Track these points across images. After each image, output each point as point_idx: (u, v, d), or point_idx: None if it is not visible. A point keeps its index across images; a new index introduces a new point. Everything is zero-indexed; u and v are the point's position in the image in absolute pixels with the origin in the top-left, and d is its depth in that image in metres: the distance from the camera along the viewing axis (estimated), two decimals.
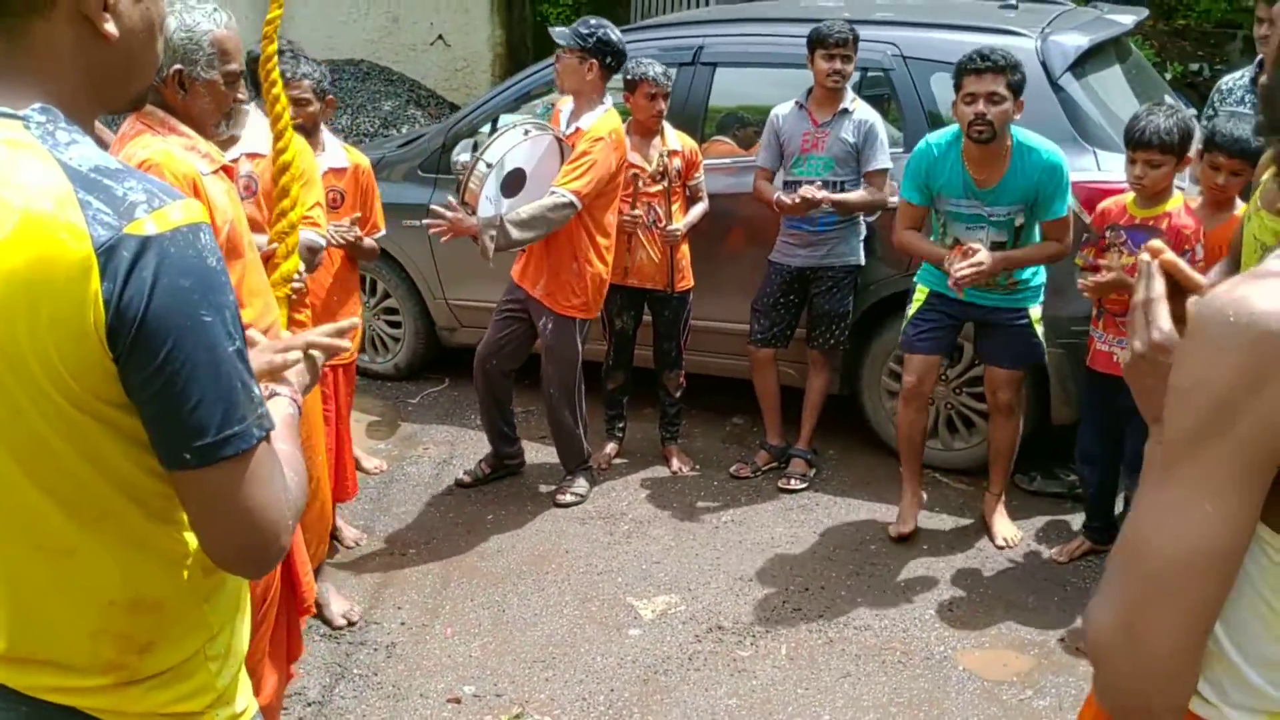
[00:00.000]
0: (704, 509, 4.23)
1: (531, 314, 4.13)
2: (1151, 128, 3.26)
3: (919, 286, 3.86)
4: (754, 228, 4.48)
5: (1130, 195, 3.44)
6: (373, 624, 3.49)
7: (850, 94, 4.18)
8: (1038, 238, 3.70)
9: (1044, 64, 4.11)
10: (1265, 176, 2.60)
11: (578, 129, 3.97)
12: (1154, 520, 0.99)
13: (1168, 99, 4.26)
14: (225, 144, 2.94)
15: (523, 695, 3.14)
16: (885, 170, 4.10)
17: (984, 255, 3.52)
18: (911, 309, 3.85)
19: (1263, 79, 1.22)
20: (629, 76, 4.15)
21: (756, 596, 3.63)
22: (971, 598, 3.62)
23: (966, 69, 3.48)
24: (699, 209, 4.42)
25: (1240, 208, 3.21)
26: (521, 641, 3.39)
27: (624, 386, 4.63)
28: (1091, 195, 3.78)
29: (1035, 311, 3.76)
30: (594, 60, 3.91)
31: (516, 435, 4.47)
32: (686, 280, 4.44)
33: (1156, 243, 1.20)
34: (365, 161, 3.87)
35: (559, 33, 3.96)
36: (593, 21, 3.95)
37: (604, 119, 3.93)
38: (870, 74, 4.39)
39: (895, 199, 3.93)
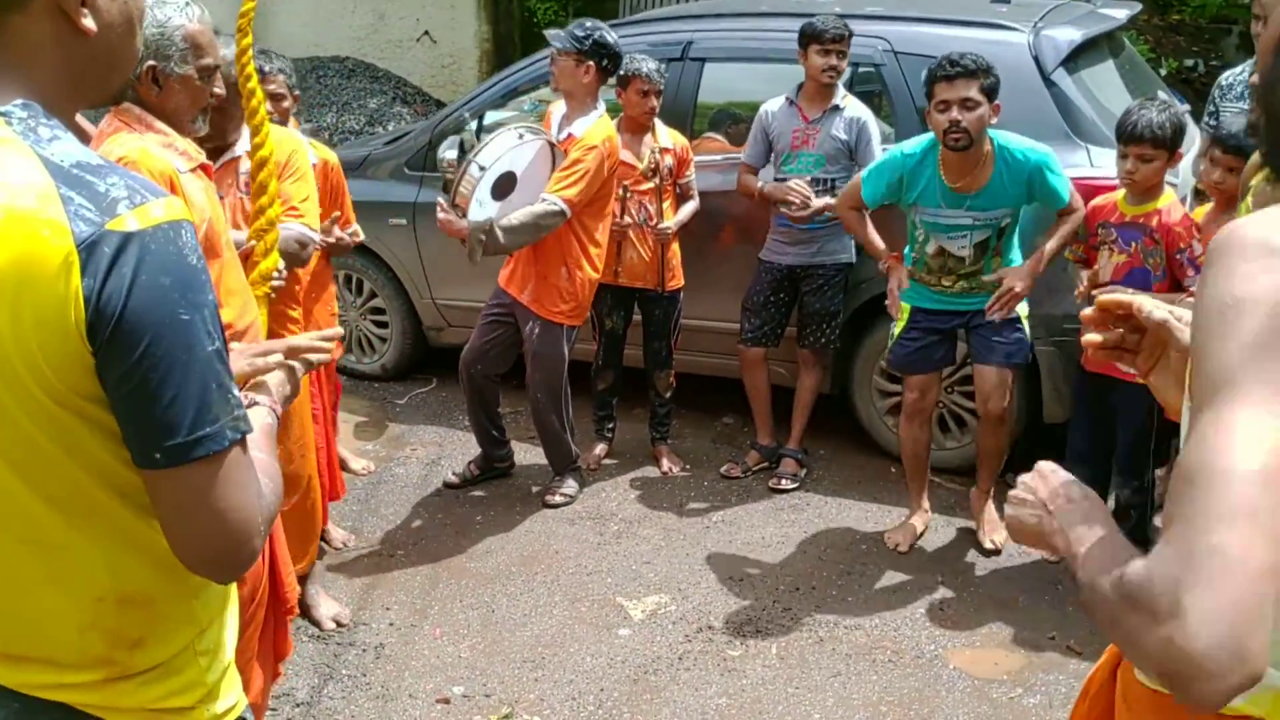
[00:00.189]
0: (694, 509, 4.21)
1: (517, 319, 4.10)
2: (1143, 122, 3.24)
3: (902, 304, 3.75)
4: (745, 226, 4.45)
5: (1121, 193, 3.42)
6: (361, 625, 3.46)
7: (841, 90, 4.15)
8: (1016, 234, 3.63)
9: (1036, 59, 4.09)
10: (1257, 179, 2.59)
11: (570, 135, 3.95)
12: (1222, 443, 0.91)
13: (1161, 94, 4.25)
14: (227, 144, 2.93)
15: (512, 695, 3.11)
16: None
17: (1011, 280, 3.48)
18: (897, 328, 3.77)
19: (1253, 76, 1.19)
20: (622, 72, 4.12)
21: (747, 596, 3.61)
22: (962, 596, 3.60)
23: (938, 76, 3.40)
24: (690, 207, 4.39)
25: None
26: (511, 642, 3.36)
27: (614, 386, 4.60)
28: (1084, 191, 3.76)
29: (1022, 307, 3.69)
30: (591, 63, 3.88)
31: (506, 437, 4.43)
32: (677, 279, 4.41)
33: (1089, 310, 1.28)
34: (334, 158, 3.84)
35: (554, 35, 3.92)
36: (588, 24, 3.91)
37: (597, 126, 3.91)
38: (861, 69, 4.37)
39: None
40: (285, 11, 9.73)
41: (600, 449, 4.60)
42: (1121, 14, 4.72)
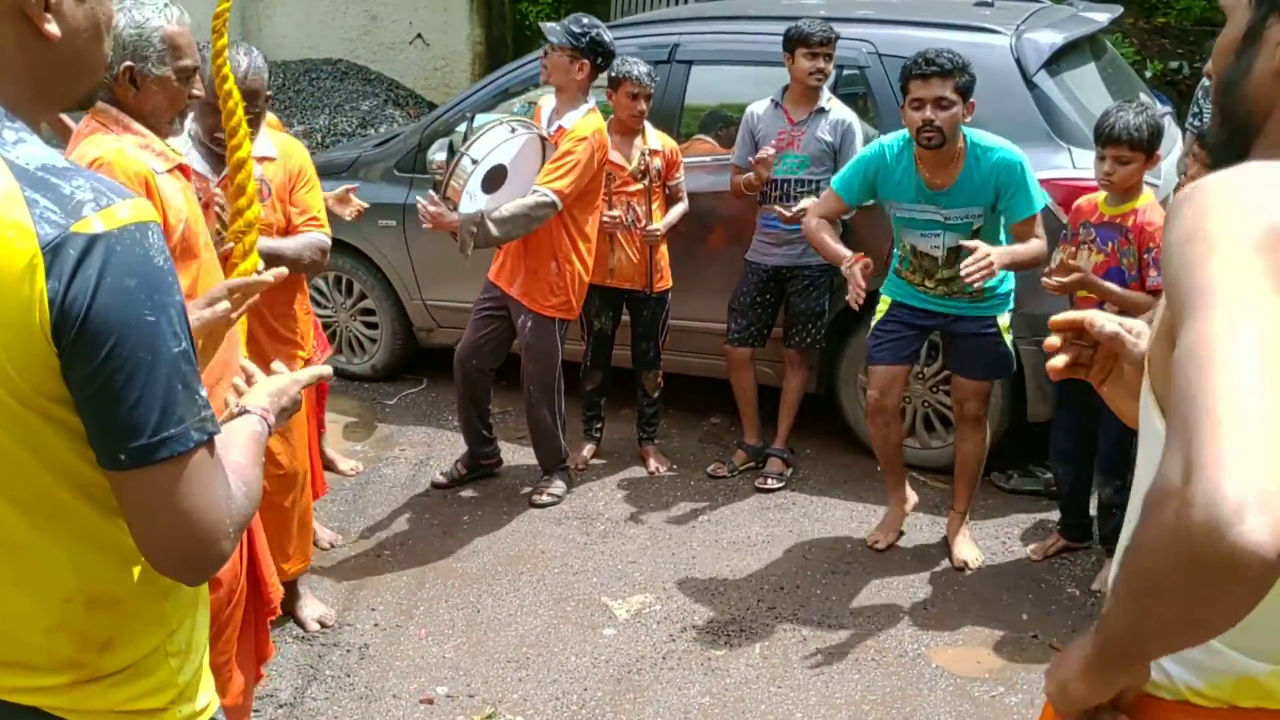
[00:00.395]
0: (680, 509, 4.22)
1: (510, 312, 4.12)
2: (1121, 124, 3.26)
3: (883, 297, 3.76)
4: (734, 227, 4.47)
5: (1103, 193, 3.44)
6: (346, 625, 3.47)
7: (826, 93, 4.17)
8: (1002, 237, 3.59)
9: (1018, 61, 4.12)
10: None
11: (560, 127, 3.96)
12: (1207, 335, 0.88)
13: (1142, 96, 4.28)
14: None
15: (495, 695, 3.13)
16: None
17: (986, 249, 3.25)
18: (874, 320, 3.76)
19: (1206, 69, 1.21)
20: (613, 74, 4.14)
21: (731, 595, 3.62)
22: (946, 595, 3.62)
23: (912, 73, 3.38)
24: (679, 209, 4.41)
25: None
26: (495, 642, 3.38)
27: (602, 387, 4.62)
28: (1067, 193, 3.78)
29: (1004, 320, 3.64)
30: (585, 60, 3.90)
31: (493, 436, 4.45)
32: (665, 281, 4.43)
33: (1054, 338, 1.31)
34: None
35: (551, 29, 3.93)
36: (585, 21, 3.92)
37: (587, 118, 3.93)
38: (846, 72, 4.39)
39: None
40: (278, 14, 9.76)
41: (588, 449, 4.62)
42: (1103, 17, 4.75)
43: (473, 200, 3.79)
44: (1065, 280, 3.28)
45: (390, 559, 3.88)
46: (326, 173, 4.04)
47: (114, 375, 1.08)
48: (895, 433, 3.81)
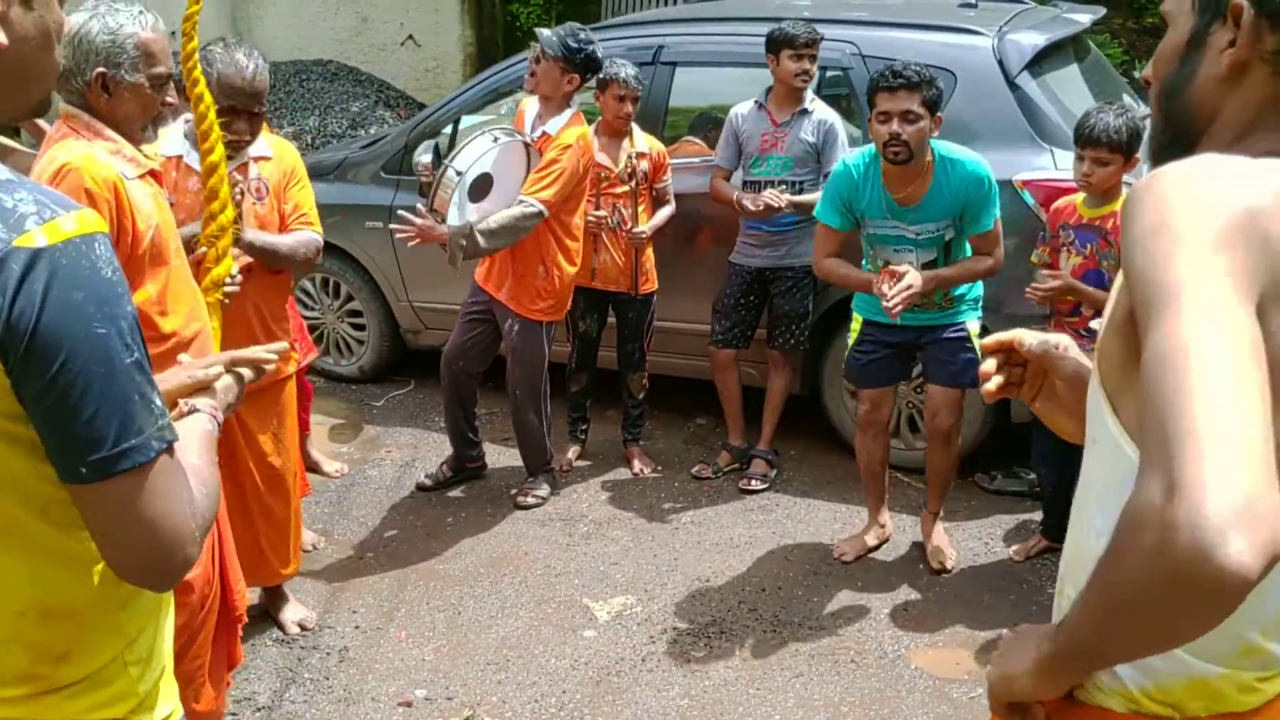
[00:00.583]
0: (664, 510, 4.23)
1: (496, 316, 4.12)
2: (1100, 125, 3.27)
3: (855, 315, 3.73)
4: (721, 228, 4.47)
5: (1082, 195, 3.44)
6: (327, 628, 3.47)
7: (809, 94, 4.18)
8: (970, 252, 3.55)
9: (1000, 62, 4.12)
10: None
11: (545, 133, 3.96)
12: (1177, 335, 0.88)
13: (1125, 98, 4.28)
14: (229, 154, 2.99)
15: (474, 698, 3.13)
16: None
17: (913, 277, 3.30)
18: (851, 339, 3.73)
19: (1144, 73, 1.22)
20: (601, 76, 4.14)
21: (713, 597, 3.63)
22: (928, 596, 3.63)
23: (879, 86, 3.31)
24: (665, 212, 4.41)
25: None
26: (475, 644, 3.38)
27: (587, 389, 4.62)
28: (1049, 194, 3.79)
29: (973, 326, 3.60)
30: (576, 75, 3.91)
31: (479, 438, 4.45)
32: (651, 283, 4.43)
33: (989, 363, 1.33)
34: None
35: (547, 40, 3.89)
36: (582, 36, 3.90)
37: (572, 125, 3.94)
38: (829, 73, 4.39)
39: None
40: (268, 14, 9.75)
41: (573, 451, 4.62)
42: (1085, 19, 4.75)
43: (460, 211, 3.79)
44: (1048, 288, 3.30)
45: (373, 561, 3.88)
46: (315, 174, 4.03)
47: (68, 390, 1.07)
48: (881, 448, 3.77)
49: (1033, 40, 4.21)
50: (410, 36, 9.75)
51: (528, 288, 4.02)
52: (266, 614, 3.47)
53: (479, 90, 5.12)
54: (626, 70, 4.15)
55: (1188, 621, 0.87)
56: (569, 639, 3.40)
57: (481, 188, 3.86)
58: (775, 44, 4.09)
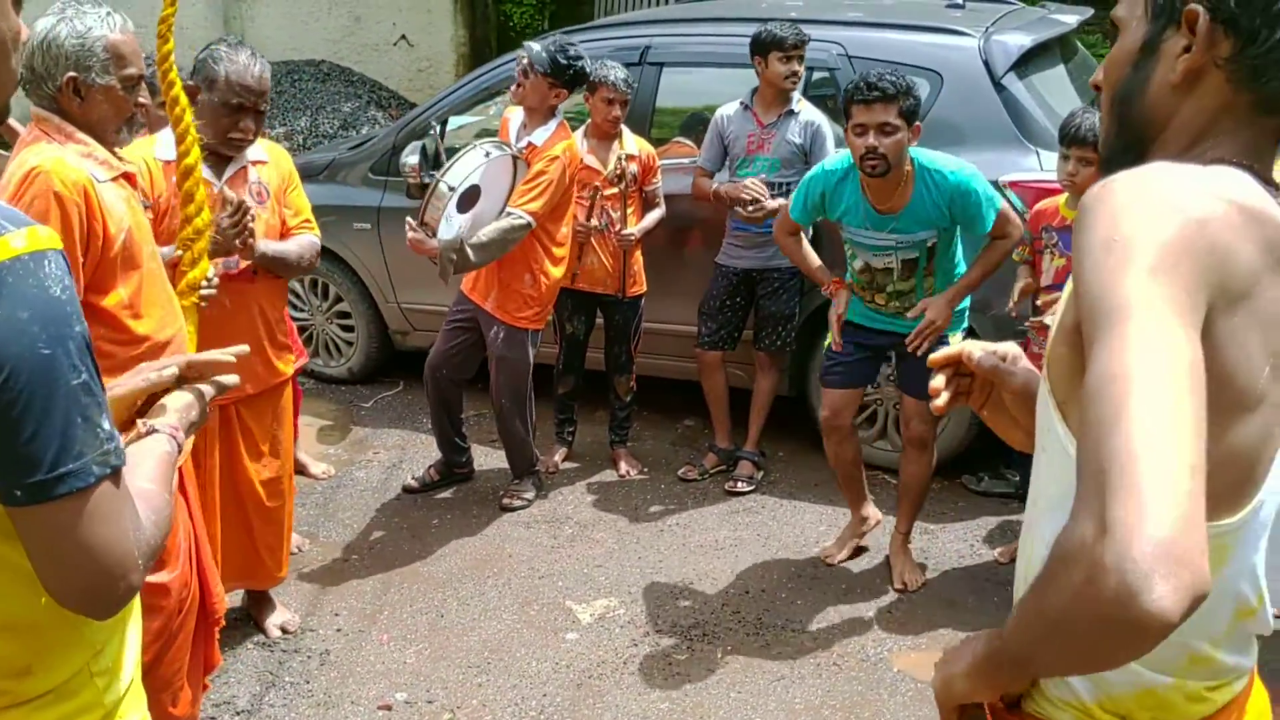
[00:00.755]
0: (649, 512, 4.22)
1: (480, 325, 4.12)
2: (1086, 124, 3.26)
3: None
4: (710, 230, 4.46)
5: (1064, 197, 3.44)
6: (309, 631, 3.46)
7: (796, 94, 4.17)
8: (959, 251, 3.51)
9: (986, 63, 4.11)
10: None
11: (530, 144, 3.96)
12: (1119, 357, 0.89)
13: None
14: (232, 155, 3.00)
15: (454, 701, 3.12)
16: None
17: (934, 312, 3.26)
18: (828, 340, 3.66)
19: (1095, 78, 1.21)
20: (591, 78, 4.14)
21: (696, 599, 3.62)
22: (912, 598, 3.62)
23: (854, 98, 3.22)
24: (655, 215, 4.41)
25: None
26: (457, 647, 3.37)
27: (574, 391, 4.62)
28: (1035, 195, 3.78)
29: (955, 338, 3.46)
30: (565, 90, 3.91)
31: (467, 444, 4.45)
32: (639, 286, 4.42)
33: (939, 379, 1.34)
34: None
35: (537, 56, 3.87)
36: (571, 51, 3.88)
37: (558, 136, 3.94)
38: (816, 74, 4.38)
39: None
40: (261, 15, 9.74)
41: (560, 453, 4.62)
42: (1073, 20, 4.75)
43: (449, 223, 3.79)
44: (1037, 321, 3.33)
45: (357, 563, 3.88)
46: (303, 175, 4.01)
47: (7, 410, 1.05)
48: (849, 450, 3.70)
49: (1019, 41, 4.20)
50: (403, 36, 9.74)
51: (514, 296, 4.02)
52: (248, 617, 3.47)
53: (466, 91, 5.10)
54: (616, 73, 4.14)
55: (1110, 654, 0.89)
56: (551, 642, 3.39)
57: (470, 198, 3.86)
58: (763, 46, 4.08)
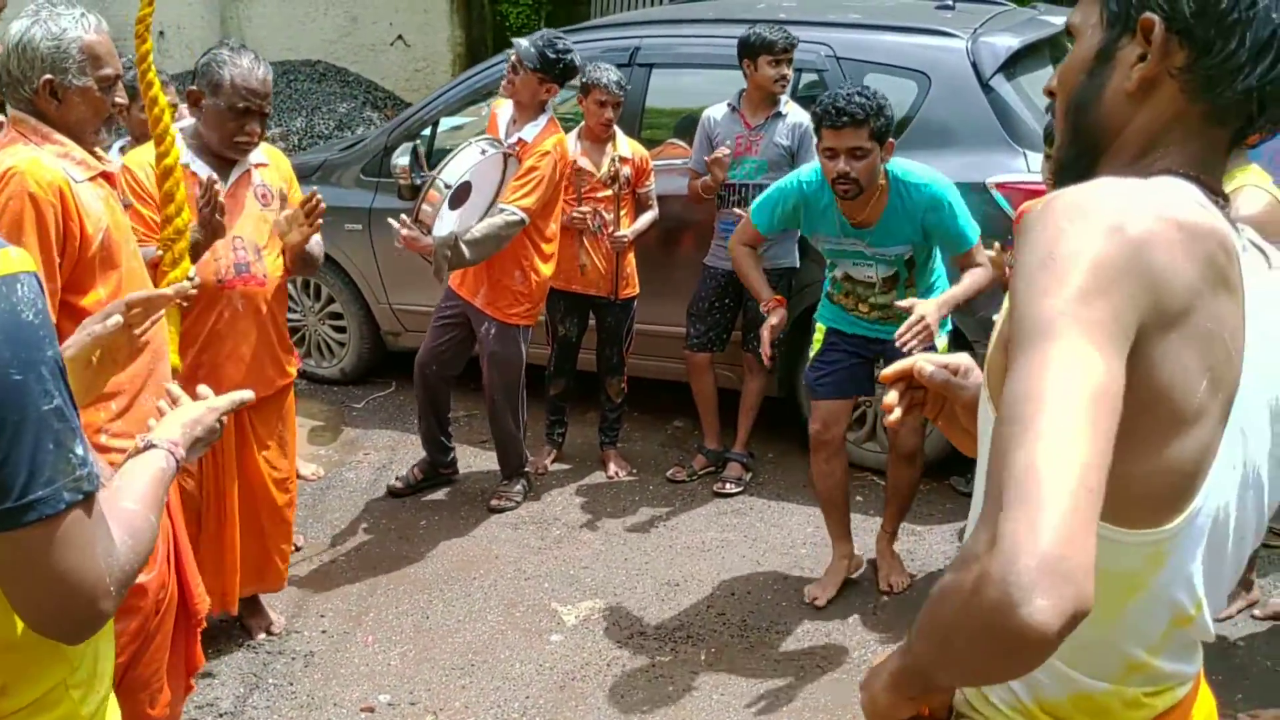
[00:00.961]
0: (637, 513, 4.22)
1: (471, 321, 4.12)
2: None
3: (818, 325, 3.60)
4: (702, 232, 4.47)
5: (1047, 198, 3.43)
6: (294, 632, 3.46)
7: (784, 96, 4.17)
8: (938, 261, 3.48)
9: (974, 65, 4.11)
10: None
11: (521, 140, 3.96)
12: (1035, 377, 0.90)
13: None
14: (234, 160, 3.01)
15: (438, 703, 3.13)
16: None
17: (922, 309, 3.07)
18: (812, 350, 3.60)
19: (1050, 84, 1.21)
20: (584, 80, 4.14)
21: (681, 601, 3.62)
22: (897, 601, 3.62)
23: (823, 123, 3.15)
24: (648, 217, 4.41)
25: None
26: (442, 648, 3.37)
27: (566, 393, 4.62)
28: (1023, 196, 3.77)
29: (942, 342, 3.41)
30: (555, 84, 3.91)
31: (452, 444, 4.45)
32: (632, 288, 4.43)
33: (892, 395, 1.33)
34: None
35: (526, 53, 3.87)
36: (559, 45, 3.88)
37: (548, 132, 3.94)
38: (804, 76, 4.38)
39: None
40: (257, 15, 9.74)
41: (549, 454, 4.62)
42: (1061, 20, 4.73)
43: (442, 220, 3.79)
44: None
45: (344, 564, 3.88)
46: (297, 176, 4.02)
47: None
48: (839, 470, 3.54)
49: (1007, 43, 4.21)
50: (400, 36, 9.75)
51: (504, 292, 4.02)
52: (233, 618, 3.47)
53: (459, 91, 5.11)
54: (609, 76, 4.15)
55: (993, 665, 0.90)
56: (535, 643, 3.39)
57: (461, 195, 3.87)
58: (752, 50, 4.07)
